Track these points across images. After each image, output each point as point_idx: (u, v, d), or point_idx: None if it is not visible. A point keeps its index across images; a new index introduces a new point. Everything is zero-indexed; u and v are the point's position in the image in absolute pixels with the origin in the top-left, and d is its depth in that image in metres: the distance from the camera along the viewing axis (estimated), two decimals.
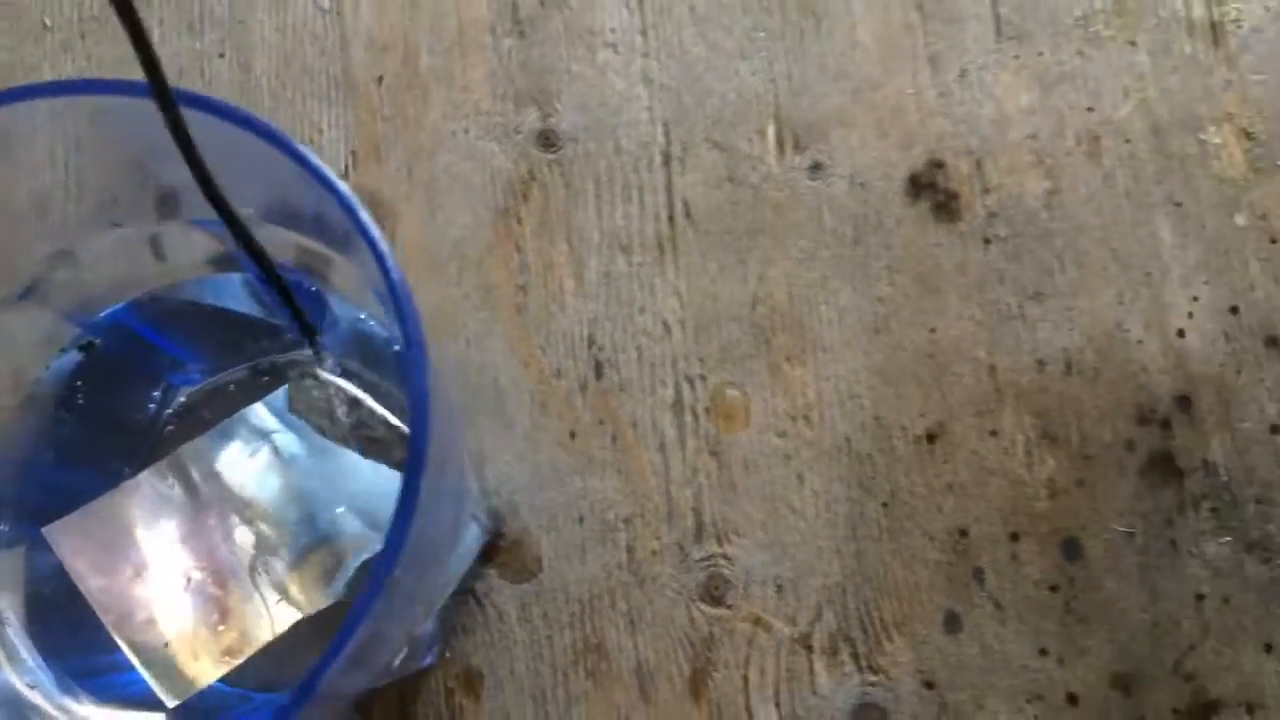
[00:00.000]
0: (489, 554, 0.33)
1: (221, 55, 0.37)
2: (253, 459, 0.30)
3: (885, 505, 0.33)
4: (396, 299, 0.19)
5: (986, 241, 0.35)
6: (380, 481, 0.29)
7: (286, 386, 0.31)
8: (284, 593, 0.29)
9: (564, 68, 0.37)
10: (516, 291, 0.35)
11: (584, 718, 0.32)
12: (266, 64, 0.37)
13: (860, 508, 0.33)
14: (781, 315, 0.34)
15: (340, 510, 0.30)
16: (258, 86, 0.37)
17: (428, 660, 0.32)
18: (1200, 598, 0.32)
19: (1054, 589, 0.32)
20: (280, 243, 0.27)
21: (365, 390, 0.29)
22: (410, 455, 0.18)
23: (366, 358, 0.30)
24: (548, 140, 0.36)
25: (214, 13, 0.38)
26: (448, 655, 0.33)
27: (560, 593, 0.33)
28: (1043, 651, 0.32)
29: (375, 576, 0.18)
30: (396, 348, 0.29)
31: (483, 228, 0.36)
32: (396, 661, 0.27)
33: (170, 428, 0.32)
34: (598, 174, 0.36)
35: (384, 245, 0.19)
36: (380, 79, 0.37)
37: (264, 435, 0.31)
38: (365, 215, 0.19)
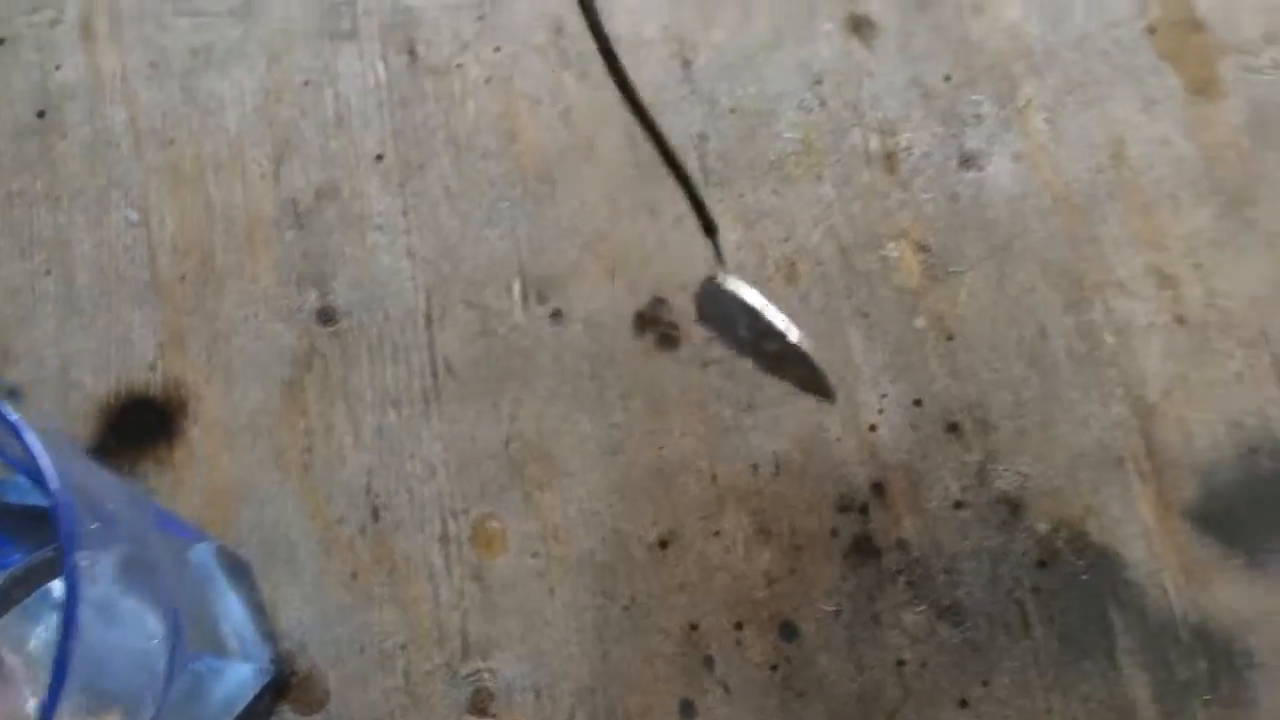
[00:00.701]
0: (282, 691, 0.37)
1: (48, 273, 0.43)
2: (50, 631, 0.35)
3: (626, 608, 0.37)
4: (49, 490, 0.23)
5: (704, 364, 0.39)
6: (156, 642, 0.34)
7: None
8: None
9: (338, 251, 0.42)
10: (303, 453, 0.40)
11: None
12: (86, 276, 0.43)
13: (605, 613, 0.37)
14: (532, 449, 0.39)
15: (124, 669, 0.34)
16: (79, 296, 0.43)
17: None
18: (901, 664, 0.35)
19: (774, 669, 0.36)
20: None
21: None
22: (64, 623, 0.23)
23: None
24: (326, 316, 0.41)
25: (41, 236, 0.44)
26: None
27: None
28: None
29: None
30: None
31: (272, 399, 0.41)
32: None
33: None
34: (370, 341, 0.41)
35: (49, 471, 0.24)
36: (183, 278, 0.43)
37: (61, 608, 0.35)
38: (37, 447, 0.24)
